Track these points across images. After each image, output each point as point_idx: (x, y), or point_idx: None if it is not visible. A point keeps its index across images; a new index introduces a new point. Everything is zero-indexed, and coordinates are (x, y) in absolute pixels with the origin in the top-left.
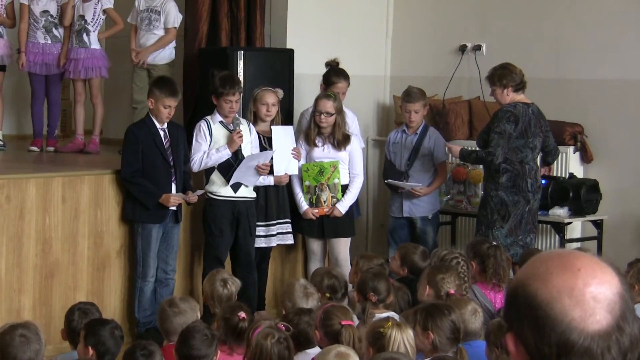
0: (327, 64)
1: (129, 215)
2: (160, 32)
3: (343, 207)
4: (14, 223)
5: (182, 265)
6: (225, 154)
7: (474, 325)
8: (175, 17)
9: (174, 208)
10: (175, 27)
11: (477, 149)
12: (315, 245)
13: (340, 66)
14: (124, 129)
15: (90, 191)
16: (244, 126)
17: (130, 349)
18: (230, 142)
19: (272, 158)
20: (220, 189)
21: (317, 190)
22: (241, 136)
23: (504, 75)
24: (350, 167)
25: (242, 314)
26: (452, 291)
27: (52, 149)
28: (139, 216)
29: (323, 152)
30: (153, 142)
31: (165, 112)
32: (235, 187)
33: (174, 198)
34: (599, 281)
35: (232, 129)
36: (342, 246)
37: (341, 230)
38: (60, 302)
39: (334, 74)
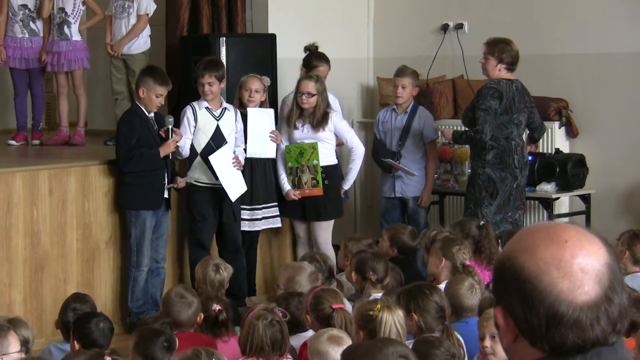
0: (307, 49)
1: (124, 204)
2: (133, 20)
3: (347, 185)
4: (1, 217)
5: (171, 253)
6: (156, 154)
7: (471, 302)
8: (147, 5)
9: (166, 195)
10: (147, 14)
11: (466, 129)
12: (301, 229)
13: (323, 50)
14: (107, 120)
15: (77, 183)
16: (230, 113)
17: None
18: (164, 145)
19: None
20: (202, 176)
21: (298, 171)
22: (176, 141)
23: (505, 50)
24: (345, 143)
25: (217, 307)
26: (467, 262)
27: (37, 142)
28: (134, 203)
29: (302, 134)
30: (147, 129)
31: (157, 100)
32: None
33: (170, 141)
34: (586, 252)
35: (165, 126)
36: (323, 229)
37: (323, 212)
38: (51, 294)
39: (314, 57)
